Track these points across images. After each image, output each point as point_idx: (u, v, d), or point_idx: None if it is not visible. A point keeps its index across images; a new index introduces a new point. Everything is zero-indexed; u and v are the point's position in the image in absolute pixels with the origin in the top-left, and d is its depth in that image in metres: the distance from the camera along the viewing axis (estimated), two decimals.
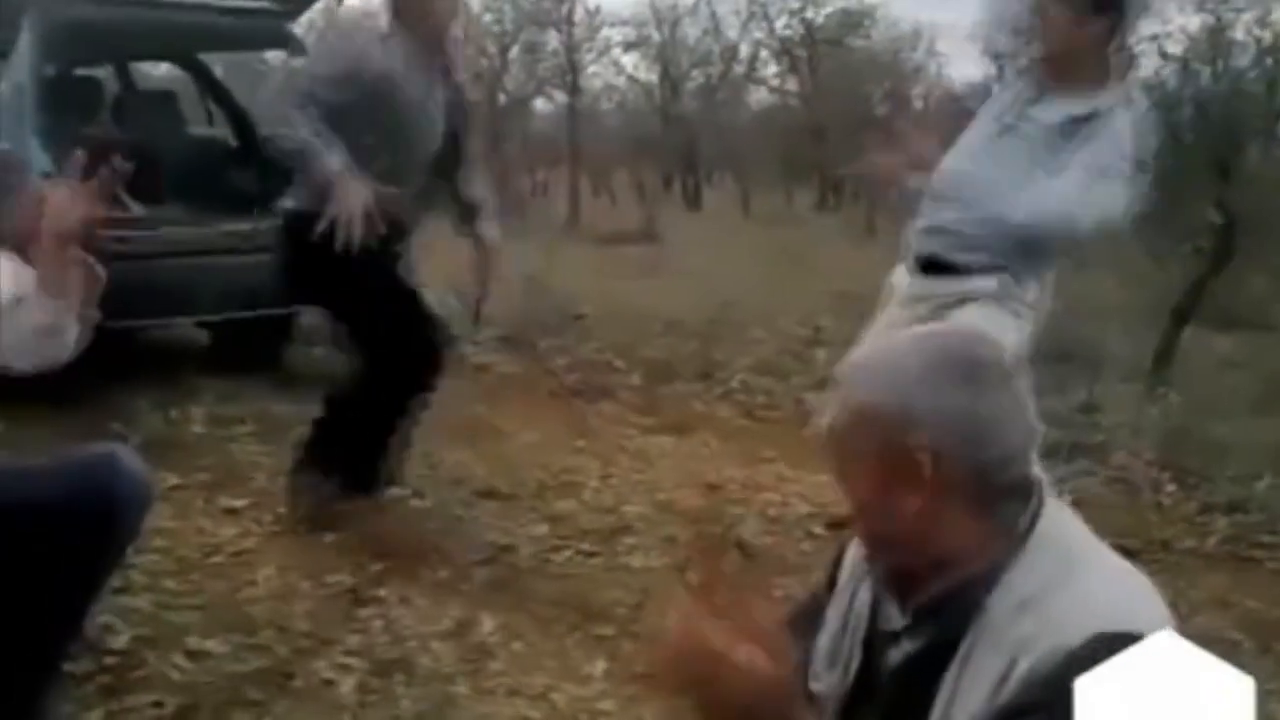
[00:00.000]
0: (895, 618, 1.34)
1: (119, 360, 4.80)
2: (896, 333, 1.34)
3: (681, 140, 17.48)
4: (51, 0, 4.53)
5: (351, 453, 3.53)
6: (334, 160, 3.25)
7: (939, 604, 1.27)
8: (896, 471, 1.25)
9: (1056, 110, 3.05)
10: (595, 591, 3.23)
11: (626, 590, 3.24)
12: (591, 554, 3.50)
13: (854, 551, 1.43)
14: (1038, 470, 1.30)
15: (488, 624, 3.00)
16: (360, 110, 3.32)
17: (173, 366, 5.08)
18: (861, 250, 10.91)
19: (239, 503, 3.74)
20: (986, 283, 3.08)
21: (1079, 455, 4.36)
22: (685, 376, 5.66)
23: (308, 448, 3.59)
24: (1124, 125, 3.00)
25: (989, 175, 3.07)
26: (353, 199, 3.22)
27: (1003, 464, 1.25)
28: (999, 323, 3.02)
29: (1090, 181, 2.94)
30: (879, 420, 1.27)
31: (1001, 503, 1.26)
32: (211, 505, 3.72)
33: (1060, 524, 1.28)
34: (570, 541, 3.57)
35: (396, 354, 3.41)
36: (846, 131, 17.30)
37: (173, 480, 3.86)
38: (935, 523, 1.25)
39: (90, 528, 2.16)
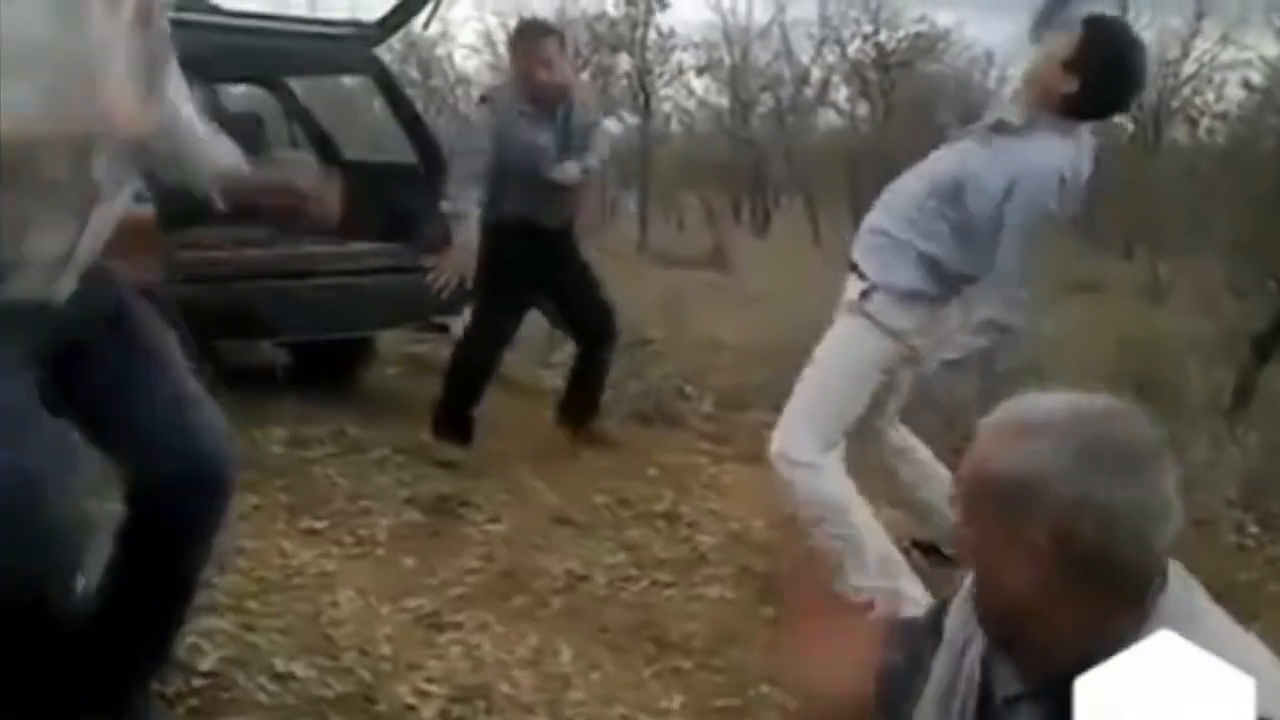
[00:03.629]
0: (1012, 682, 1.31)
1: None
2: (1050, 397, 1.30)
3: (750, 164, 17.48)
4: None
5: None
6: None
7: (1064, 677, 1.22)
8: (1015, 545, 1.23)
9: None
10: (672, 623, 3.25)
11: (703, 622, 3.25)
12: (668, 584, 3.52)
13: (964, 602, 1.40)
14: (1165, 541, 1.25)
15: (566, 653, 3.02)
16: None
17: (254, 387, 5.17)
18: None
19: (319, 524, 3.80)
20: (854, 291, 3.26)
21: None
22: (758, 405, 5.64)
23: None
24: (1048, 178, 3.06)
25: (912, 188, 3.23)
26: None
27: (1134, 548, 1.22)
28: (849, 333, 3.24)
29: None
30: (1006, 493, 1.24)
31: (1126, 584, 1.23)
32: (292, 527, 3.78)
33: (1185, 596, 1.26)
34: (646, 571, 3.59)
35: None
36: (917, 156, 17.14)
37: (253, 500, 3.93)
38: (1050, 600, 1.23)
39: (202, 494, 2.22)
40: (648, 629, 3.20)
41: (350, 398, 5.29)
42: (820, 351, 3.34)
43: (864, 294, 3.24)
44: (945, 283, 3.22)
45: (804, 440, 3.25)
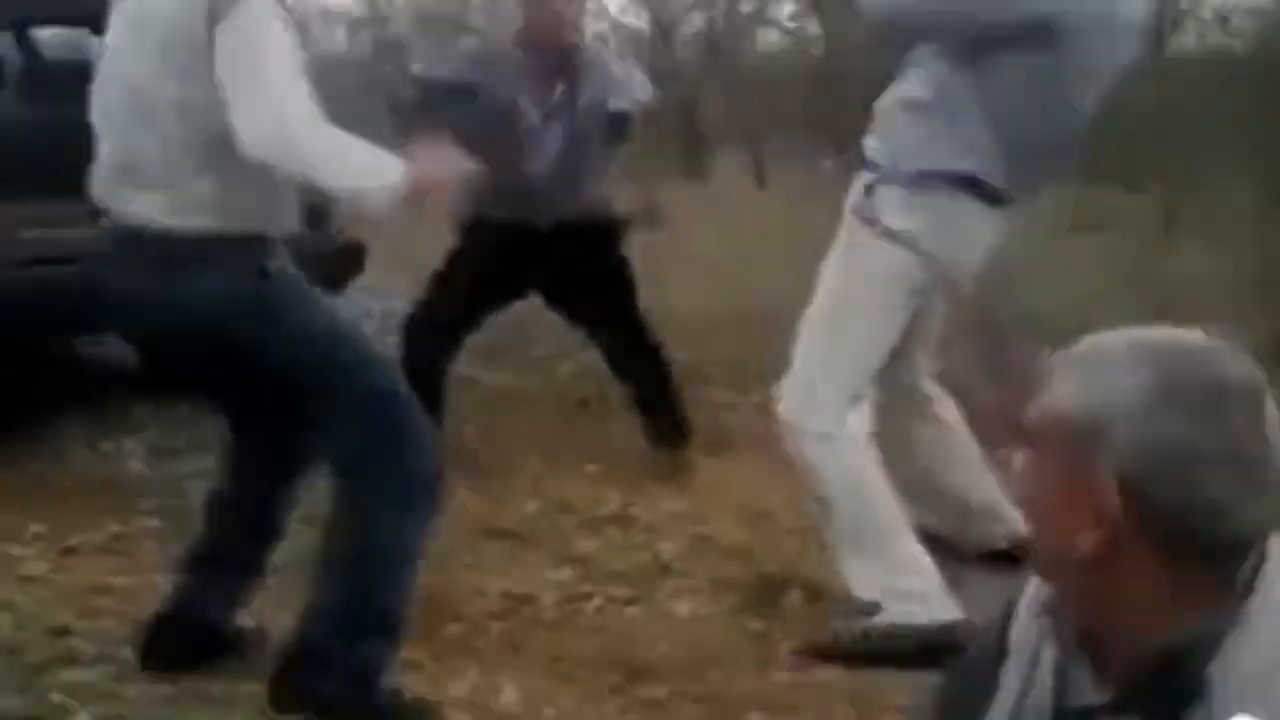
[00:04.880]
0: (1089, 691, 1.31)
1: (29, 380, 4.87)
2: (1130, 331, 1.29)
3: (678, 98, 17.45)
4: None
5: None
6: None
7: (1148, 680, 1.23)
8: (1076, 497, 1.23)
9: None
10: (639, 646, 3.23)
11: (676, 643, 3.24)
12: (629, 601, 3.51)
13: (1030, 607, 1.40)
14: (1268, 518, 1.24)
15: (510, 691, 3.00)
16: None
17: (97, 390, 5.07)
18: None
19: None
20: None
21: None
22: (714, 384, 5.65)
23: None
24: None
25: None
26: None
27: (1216, 511, 1.20)
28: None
29: None
30: (1073, 433, 1.24)
31: (1210, 556, 1.22)
32: (167, 557, 3.71)
33: None
34: (601, 587, 3.58)
35: None
36: (873, 83, 17.29)
37: (114, 528, 3.87)
38: (1115, 566, 1.23)
39: None
40: (609, 655, 3.18)
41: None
42: (824, 281, 3.32)
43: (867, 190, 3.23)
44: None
45: (817, 402, 3.23)
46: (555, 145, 4.31)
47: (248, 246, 2.70)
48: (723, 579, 3.60)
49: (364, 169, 2.64)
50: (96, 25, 5.63)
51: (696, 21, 18.77)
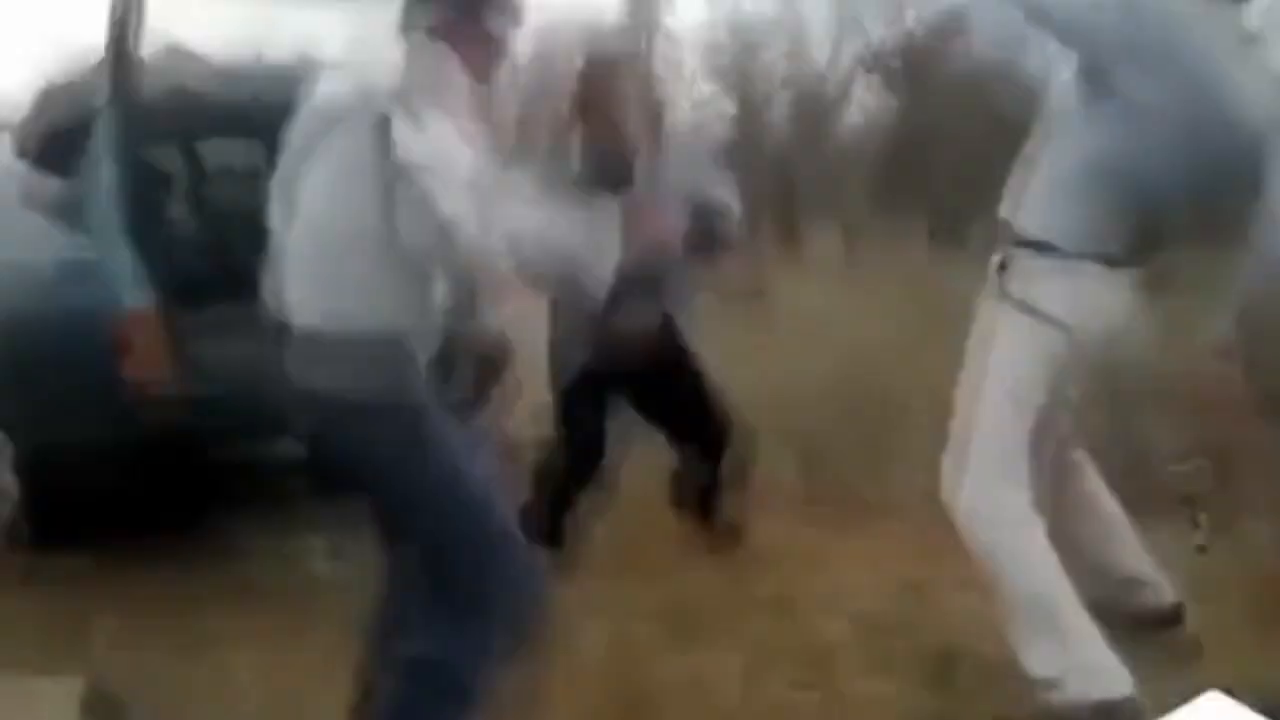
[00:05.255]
0: None
1: (208, 482, 5.03)
2: None
3: (769, 173, 17.58)
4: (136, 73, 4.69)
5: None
6: None
7: None
8: None
9: None
10: None
11: None
12: (806, 685, 3.58)
13: None
14: None
15: None
16: None
17: (270, 487, 5.20)
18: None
19: None
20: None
21: None
22: (847, 457, 5.71)
23: None
24: None
25: None
26: None
27: None
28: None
29: None
30: None
31: None
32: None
33: None
34: (777, 671, 3.64)
35: None
36: (955, 154, 17.43)
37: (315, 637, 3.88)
38: None
39: None
40: None
41: None
42: (971, 356, 3.40)
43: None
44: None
45: (980, 480, 3.30)
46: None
47: (401, 345, 2.78)
48: (892, 656, 3.67)
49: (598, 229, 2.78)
50: (262, 136, 5.95)
51: (782, 102, 18.94)
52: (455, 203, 2.59)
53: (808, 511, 5.13)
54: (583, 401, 4.61)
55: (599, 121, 4.31)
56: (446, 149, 2.63)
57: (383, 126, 2.66)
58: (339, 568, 4.47)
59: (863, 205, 17.61)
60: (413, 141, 2.63)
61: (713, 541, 4.74)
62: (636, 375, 4.56)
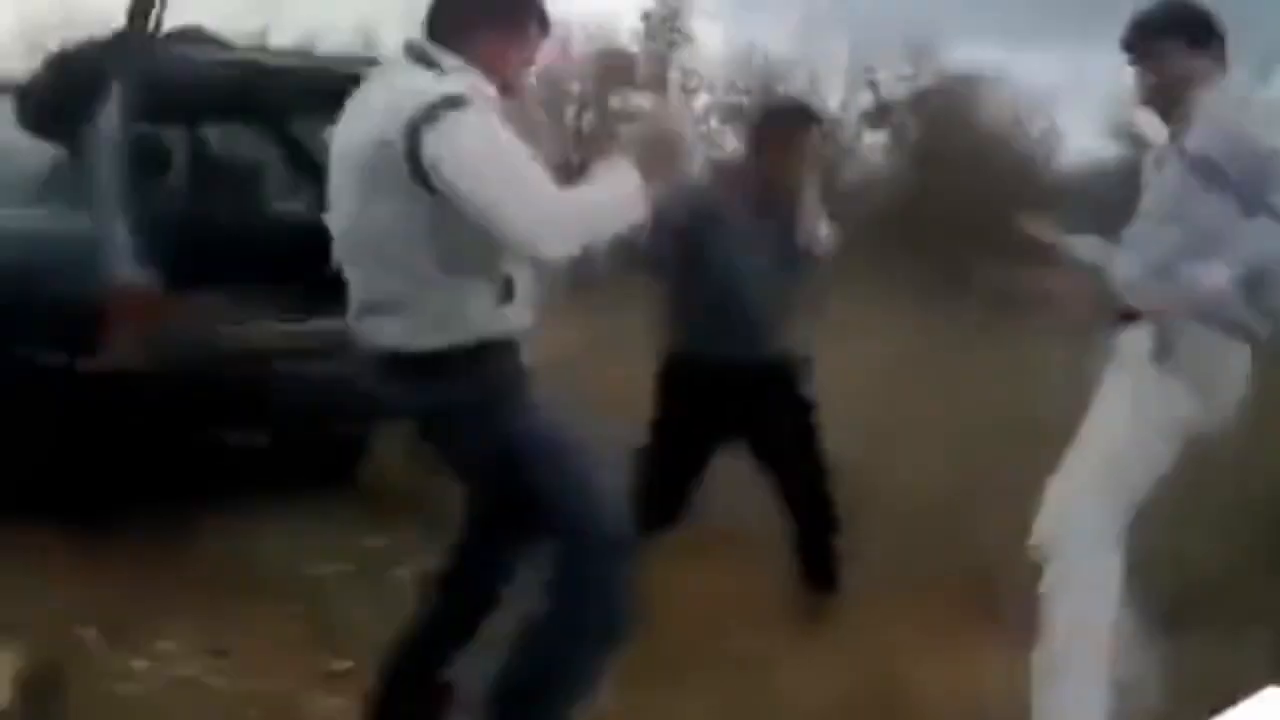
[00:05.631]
0: None
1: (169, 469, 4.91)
2: None
3: None
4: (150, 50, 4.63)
5: None
6: None
7: None
8: None
9: None
10: None
11: None
12: None
13: None
14: None
15: None
16: None
17: (228, 477, 5.10)
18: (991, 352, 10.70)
19: (342, 665, 3.67)
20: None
21: None
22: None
23: None
24: None
25: None
26: None
27: None
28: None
29: None
30: None
31: None
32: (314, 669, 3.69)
33: None
34: None
35: None
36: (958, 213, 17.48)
37: (263, 630, 3.85)
38: None
39: None
40: None
41: (350, 498, 5.22)
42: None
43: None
44: None
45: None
46: (760, 283, 4.26)
47: (482, 355, 2.74)
48: None
49: (624, 191, 2.70)
50: (261, 120, 5.87)
51: None
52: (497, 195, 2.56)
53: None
54: (677, 444, 4.38)
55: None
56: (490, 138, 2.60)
57: (413, 142, 2.58)
58: (294, 560, 4.39)
59: (860, 257, 17.60)
60: (446, 142, 2.56)
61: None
62: (756, 413, 4.37)
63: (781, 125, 4.43)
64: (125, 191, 4.58)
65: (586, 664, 2.80)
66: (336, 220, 2.81)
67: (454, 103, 2.57)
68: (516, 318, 2.79)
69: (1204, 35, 3.30)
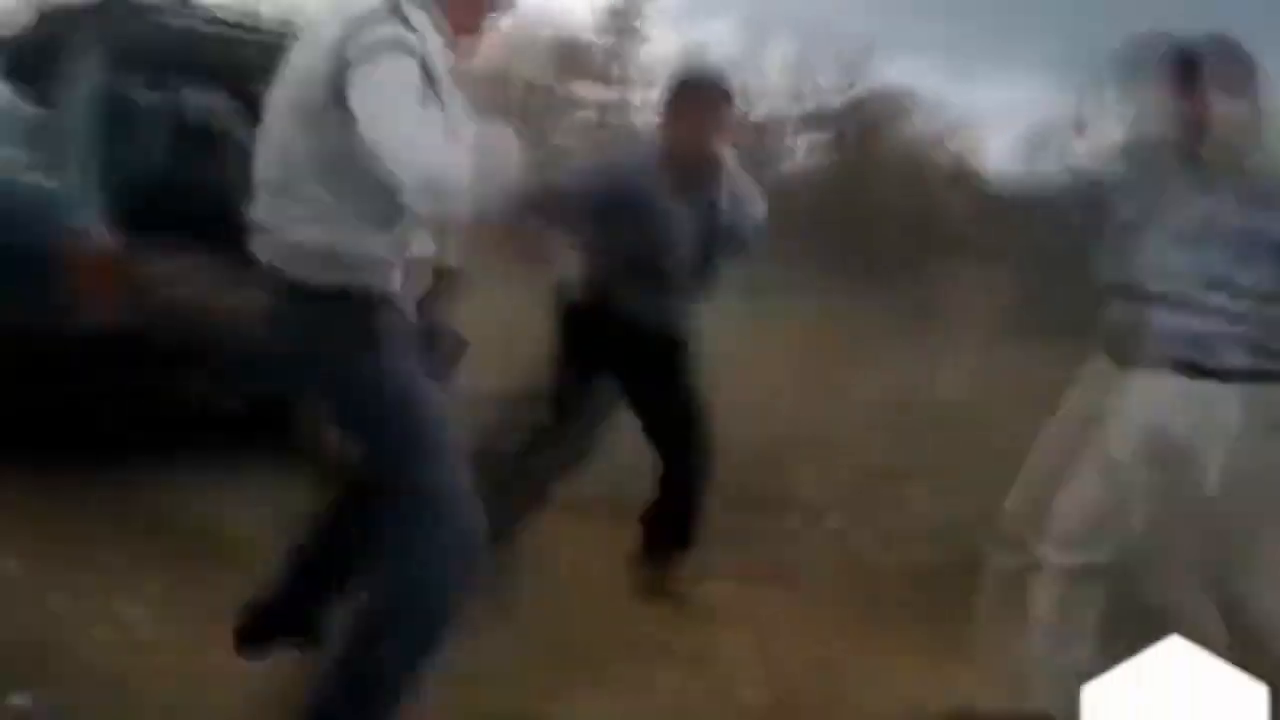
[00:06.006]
0: None
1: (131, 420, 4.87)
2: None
3: None
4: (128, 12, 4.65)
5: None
6: None
7: None
8: None
9: None
10: None
11: None
12: None
13: None
14: None
15: None
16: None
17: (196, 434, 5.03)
18: (900, 345, 10.97)
19: None
20: None
21: None
22: (762, 512, 5.63)
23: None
24: None
25: None
26: None
27: None
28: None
29: None
30: None
31: None
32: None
33: None
34: None
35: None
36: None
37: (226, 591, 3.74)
38: None
39: None
40: None
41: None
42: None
43: None
44: None
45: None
46: (686, 249, 4.31)
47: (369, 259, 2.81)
48: None
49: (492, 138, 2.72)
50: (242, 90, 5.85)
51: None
52: (380, 128, 2.60)
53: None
54: (572, 377, 4.44)
55: None
56: (395, 88, 2.65)
57: (339, 53, 2.68)
58: (249, 520, 4.34)
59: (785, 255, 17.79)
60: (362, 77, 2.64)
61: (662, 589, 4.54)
62: (637, 360, 4.40)
63: (696, 92, 4.41)
64: (97, 150, 4.56)
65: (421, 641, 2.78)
66: (262, 142, 2.89)
67: (390, 45, 2.66)
68: (400, 261, 2.87)
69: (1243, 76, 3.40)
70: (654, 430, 4.52)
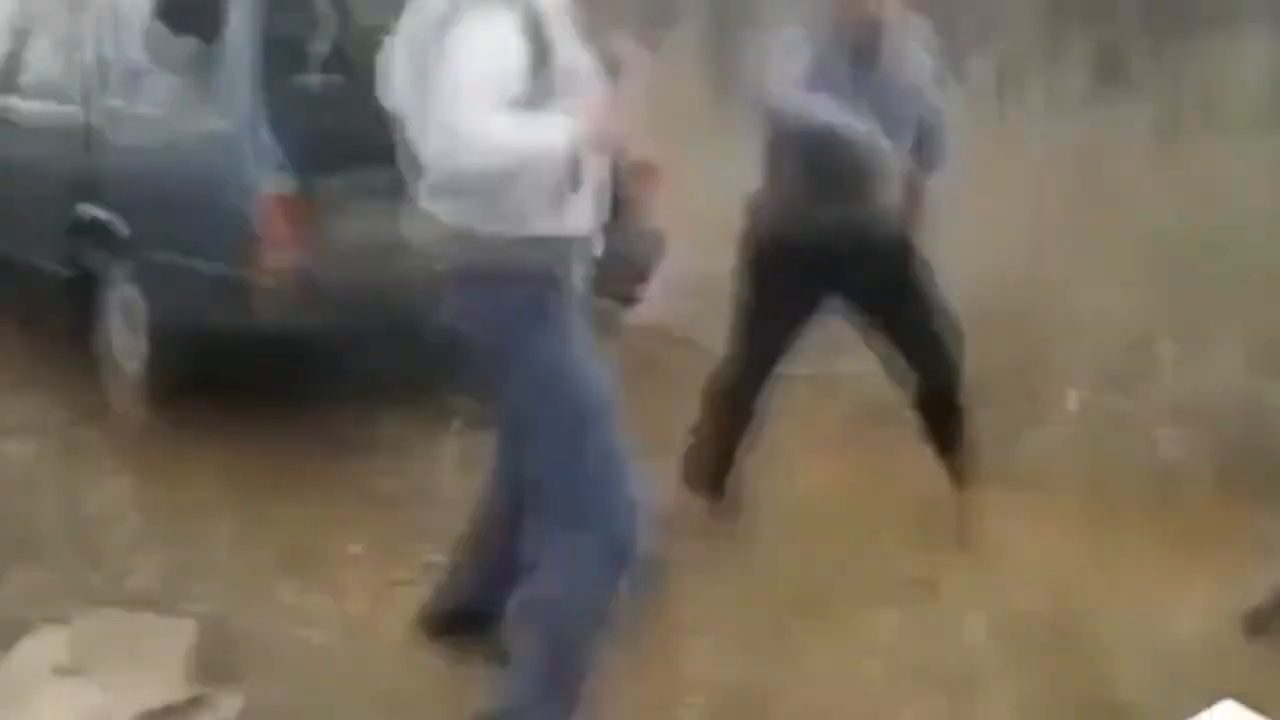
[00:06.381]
0: None
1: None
2: None
3: None
4: None
5: None
6: None
7: None
8: None
9: None
10: None
11: None
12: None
13: None
14: None
15: None
16: None
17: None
18: (1162, 161, 10.12)
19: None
20: None
21: None
22: (1002, 398, 5.25)
23: None
24: None
25: None
26: None
27: None
28: None
29: None
30: None
31: None
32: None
33: None
34: (919, 689, 3.32)
35: None
36: None
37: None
38: None
39: None
40: None
41: None
42: None
43: None
44: None
45: None
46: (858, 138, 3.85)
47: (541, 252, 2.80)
48: (1034, 704, 3.29)
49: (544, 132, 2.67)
50: None
51: None
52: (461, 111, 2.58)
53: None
54: (782, 301, 4.11)
55: None
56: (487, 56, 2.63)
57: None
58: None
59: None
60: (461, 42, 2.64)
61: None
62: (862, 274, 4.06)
63: None
64: (265, 97, 4.52)
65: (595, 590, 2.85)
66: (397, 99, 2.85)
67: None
68: (573, 219, 2.83)
69: None
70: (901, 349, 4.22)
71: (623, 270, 4.17)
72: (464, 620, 3.18)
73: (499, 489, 3.13)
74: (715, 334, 4.43)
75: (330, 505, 4.18)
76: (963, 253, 5.84)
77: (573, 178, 2.76)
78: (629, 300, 4.94)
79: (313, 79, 4.74)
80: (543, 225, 2.77)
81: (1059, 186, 8.29)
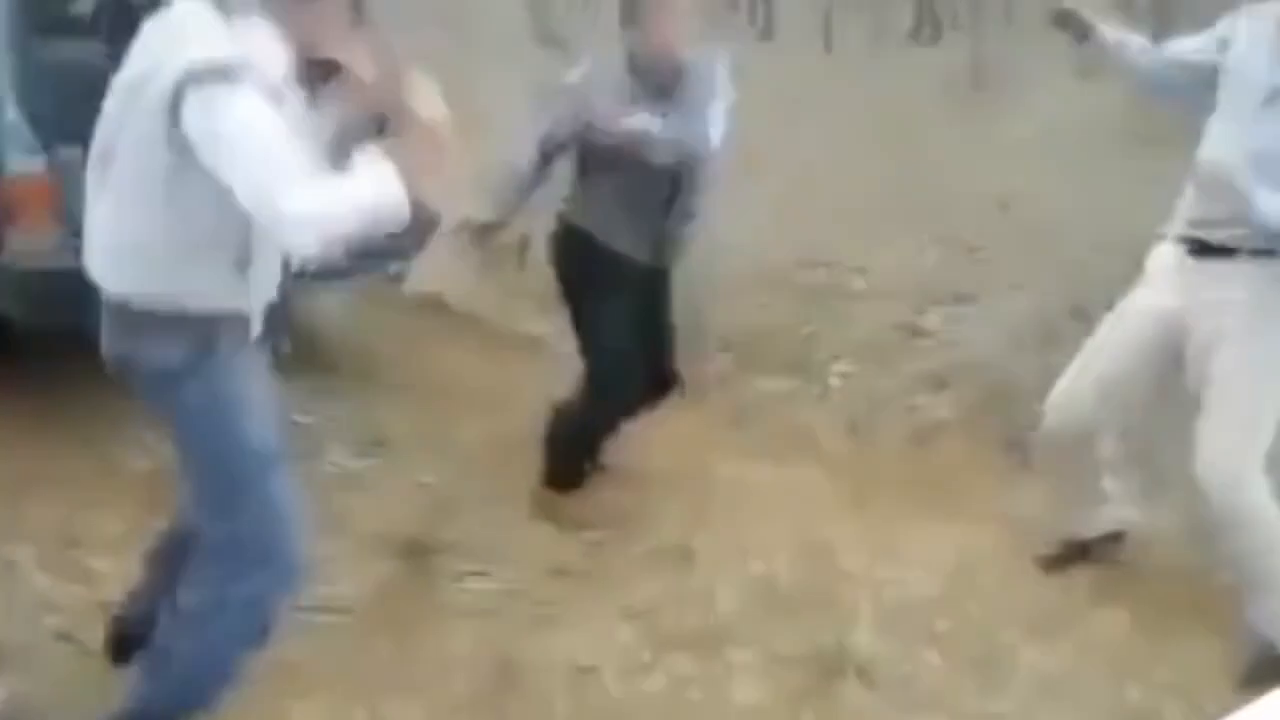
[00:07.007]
0: None
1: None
2: None
3: None
4: None
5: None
6: None
7: None
8: None
9: None
10: None
11: None
12: (688, 678, 3.37)
13: None
14: None
15: None
16: None
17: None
18: (968, 113, 10.38)
19: None
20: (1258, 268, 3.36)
21: None
22: (776, 364, 5.39)
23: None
24: None
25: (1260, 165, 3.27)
26: None
27: None
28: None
29: None
30: None
31: None
32: None
33: None
34: (663, 655, 3.44)
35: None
36: None
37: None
38: None
39: None
40: None
41: None
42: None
43: None
44: None
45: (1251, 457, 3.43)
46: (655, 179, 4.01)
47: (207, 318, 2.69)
48: (781, 655, 3.45)
49: (380, 184, 2.50)
50: None
51: None
52: (248, 179, 2.42)
53: (736, 436, 4.84)
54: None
55: None
56: (250, 122, 2.43)
57: (176, 98, 2.44)
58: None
59: None
60: (204, 115, 2.43)
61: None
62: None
63: None
64: (14, 71, 4.34)
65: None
66: (97, 144, 2.68)
67: (222, 74, 2.42)
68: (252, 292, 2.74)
69: None
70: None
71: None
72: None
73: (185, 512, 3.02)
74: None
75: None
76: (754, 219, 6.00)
77: (242, 257, 2.67)
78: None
79: (71, 45, 4.58)
80: (201, 304, 2.67)
81: (863, 147, 8.48)
